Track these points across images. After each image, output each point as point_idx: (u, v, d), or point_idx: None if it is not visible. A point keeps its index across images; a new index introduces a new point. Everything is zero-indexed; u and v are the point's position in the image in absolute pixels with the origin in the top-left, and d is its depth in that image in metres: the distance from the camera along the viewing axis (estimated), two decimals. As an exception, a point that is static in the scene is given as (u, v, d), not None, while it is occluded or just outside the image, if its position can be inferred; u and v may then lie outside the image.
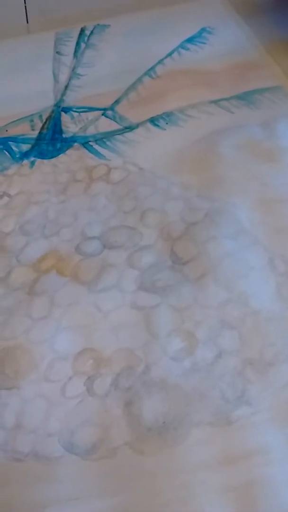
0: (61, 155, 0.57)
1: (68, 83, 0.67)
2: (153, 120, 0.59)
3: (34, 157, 0.57)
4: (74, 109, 0.63)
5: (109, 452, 0.35)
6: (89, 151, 0.57)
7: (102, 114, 0.62)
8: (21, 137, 0.60)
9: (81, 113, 0.62)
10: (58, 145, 0.58)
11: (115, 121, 0.60)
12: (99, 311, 0.41)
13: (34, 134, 0.60)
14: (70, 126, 0.61)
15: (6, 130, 0.61)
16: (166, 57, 0.68)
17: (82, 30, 0.76)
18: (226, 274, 0.42)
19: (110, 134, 0.59)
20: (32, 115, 0.63)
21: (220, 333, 0.39)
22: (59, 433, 0.36)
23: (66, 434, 0.35)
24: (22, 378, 0.38)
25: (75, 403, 0.37)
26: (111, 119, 0.61)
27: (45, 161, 0.57)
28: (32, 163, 0.57)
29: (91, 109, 0.62)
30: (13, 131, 0.61)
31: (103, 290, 0.43)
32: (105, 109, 0.62)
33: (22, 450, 0.35)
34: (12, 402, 0.37)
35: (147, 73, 0.66)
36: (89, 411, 0.36)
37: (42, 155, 0.58)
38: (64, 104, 0.64)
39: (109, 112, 0.62)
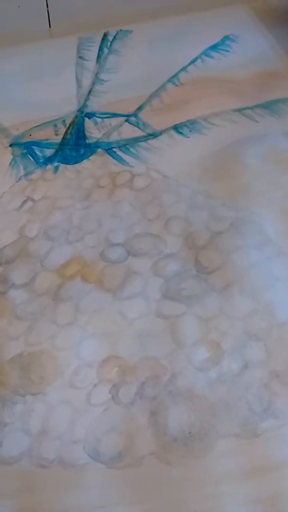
0: (84, 160, 0.58)
1: (91, 89, 0.67)
2: (176, 128, 0.59)
3: (58, 162, 0.58)
4: (98, 115, 0.63)
5: (135, 461, 0.35)
6: (113, 157, 0.57)
7: (126, 121, 0.62)
8: (45, 141, 0.60)
9: (104, 119, 0.63)
10: (82, 151, 0.59)
11: (139, 128, 0.61)
12: (124, 318, 0.41)
13: (58, 139, 0.61)
14: (93, 131, 0.61)
15: (30, 135, 0.61)
16: (189, 64, 0.68)
17: (105, 35, 0.76)
18: (252, 285, 0.42)
19: (133, 141, 0.59)
20: (55, 120, 0.63)
21: (246, 344, 0.39)
22: (84, 440, 0.36)
23: (91, 442, 0.35)
24: (47, 384, 0.38)
25: (100, 411, 0.37)
26: (134, 125, 0.61)
27: (68, 166, 0.57)
28: (56, 168, 0.57)
29: (114, 115, 0.63)
30: (37, 136, 0.61)
31: (128, 298, 0.43)
32: (128, 116, 0.62)
33: (47, 457, 0.35)
34: (37, 408, 0.37)
35: (171, 80, 0.66)
36: (114, 419, 0.36)
37: (66, 161, 0.58)
38: (88, 110, 0.64)
39: (133, 119, 0.62)
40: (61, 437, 0.36)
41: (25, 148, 0.59)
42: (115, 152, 0.58)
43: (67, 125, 0.62)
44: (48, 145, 0.60)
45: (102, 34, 0.76)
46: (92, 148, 0.59)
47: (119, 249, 0.47)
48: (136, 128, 0.61)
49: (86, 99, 0.66)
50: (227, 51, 0.70)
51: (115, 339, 0.40)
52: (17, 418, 0.37)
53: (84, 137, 0.61)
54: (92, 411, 0.37)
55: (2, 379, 0.38)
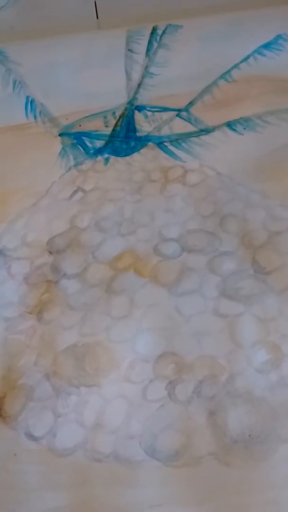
0: (135, 153, 0.57)
1: (141, 82, 0.66)
2: (230, 125, 0.58)
3: (108, 154, 0.57)
4: (148, 108, 0.62)
5: (193, 461, 0.34)
6: (164, 151, 0.56)
7: (177, 115, 0.61)
8: (95, 133, 0.60)
9: (154, 113, 0.62)
10: (132, 144, 0.58)
11: (190, 123, 0.60)
12: (180, 315, 0.41)
13: (108, 130, 0.60)
14: (143, 125, 0.60)
15: (80, 125, 0.61)
16: (242, 61, 0.67)
17: (154, 29, 0.75)
18: (313, 288, 0.41)
19: (185, 136, 0.58)
20: (105, 111, 0.62)
21: (308, 348, 0.38)
22: (140, 436, 0.35)
23: (148, 438, 0.35)
24: (102, 376, 0.37)
25: (157, 407, 0.36)
26: (186, 120, 0.60)
27: (119, 158, 0.56)
28: (107, 160, 0.56)
29: (165, 109, 0.62)
30: (87, 127, 0.61)
31: (184, 294, 0.42)
32: (179, 110, 0.61)
33: (102, 451, 0.35)
34: (92, 400, 0.37)
35: (223, 76, 0.65)
36: (171, 416, 0.36)
37: (116, 153, 0.57)
38: (137, 103, 0.63)
39: (184, 114, 0.61)
40: (116, 431, 0.35)
41: (75, 138, 0.59)
42: (166, 146, 0.57)
43: (117, 117, 0.62)
44: (98, 136, 0.59)
45: (151, 28, 0.75)
46: (142, 142, 0.58)
47: (173, 244, 0.46)
48: (188, 123, 0.60)
49: (136, 92, 0.65)
50: (280, 50, 0.68)
51: (172, 335, 0.39)
52: (72, 410, 0.36)
53: (134, 130, 0.60)
54: (148, 406, 0.36)
55: (56, 369, 0.38)
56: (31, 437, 0.35)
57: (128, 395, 0.36)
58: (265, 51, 0.68)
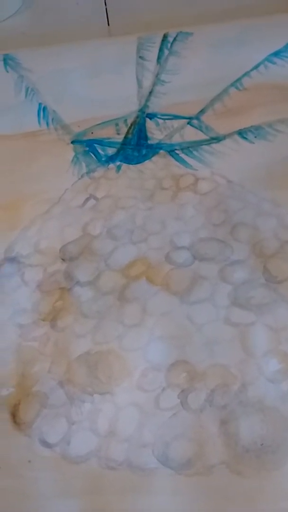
0: (146, 161, 0.57)
1: (152, 89, 0.67)
2: (241, 133, 0.59)
3: (120, 161, 0.57)
4: (159, 116, 0.63)
5: (205, 469, 0.34)
6: (175, 159, 0.57)
7: (188, 123, 0.61)
8: (107, 140, 0.60)
9: (166, 121, 0.62)
10: (144, 151, 0.58)
11: (201, 131, 0.60)
12: (192, 323, 0.41)
13: (119, 138, 0.60)
14: (155, 132, 0.61)
15: (92, 133, 0.61)
16: (252, 69, 0.67)
17: (165, 37, 0.76)
18: None
19: (196, 144, 0.58)
20: (117, 119, 0.63)
21: None
22: (153, 444, 0.35)
23: (160, 446, 0.35)
24: (115, 384, 0.38)
25: (169, 415, 0.36)
26: (197, 128, 0.60)
27: (131, 166, 0.57)
28: (119, 167, 0.57)
29: (176, 117, 0.62)
30: (98, 134, 0.61)
31: (195, 302, 0.42)
32: (190, 118, 0.62)
33: (116, 458, 0.35)
34: (105, 408, 0.37)
35: (234, 84, 0.66)
36: (183, 425, 0.36)
37: (128, 160, 0.58)
38: (149, 110, 0.64)
39: (195, 122, 0.61)
40: (129, 439, 0.35)
41: (87, 146, 0.59)
42: (177, 154, 0.58)
43: (129, 125, 0.62)
44: (110, 144, 0.60)
45: (162, 35, 0.76)
46: (154, 149, 0.59)
47: (184, 252, 0.46)
48: (199, 131, 0.60)
49: (147, 100, 0.65)
50: (291, 58, 0.69)
51: (183, 343, 0.40)
52: (85, 417, 0.36)
53: (146, 138, 0.60)
54: (160, 415, 0.36)
55: (70, 376, 0.38)
56: (45, 444, 0.35)
57: (140, 403, 0.37)
58: (276, 59, 0.69)
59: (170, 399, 0.37)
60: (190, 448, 0.35)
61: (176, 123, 0.61)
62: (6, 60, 0.75)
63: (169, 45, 0.75)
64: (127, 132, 0.61)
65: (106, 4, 0.91)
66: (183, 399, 0.37)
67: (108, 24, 0.86)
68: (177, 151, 0.58)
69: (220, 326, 0.40)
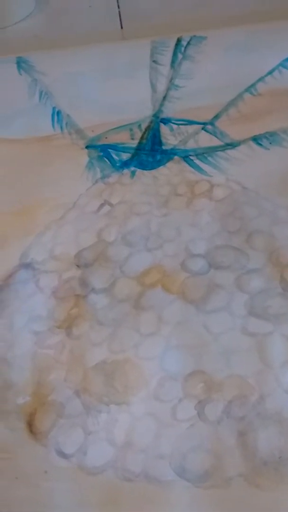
0: (161, 167, 0.57)
1: (166, 94, 0.67)
2: (256, 139, 0.58)
3: (134, 167, 0.57)
4: (173, 121, 0.63)
5: (222, 482, 0.34)
6: (190, 165, 0.57)
7: (202, 129, 0.61)
8: (121, 145, 0.60)
9: (180, 126, 0.62)
10: (158, 157, 0.58)
11: (216, 137, 0.60)
12: (209, 332, 0.41)
13: (134, 143, 0.60)
14: (169, 138, 0.61)
15: (106, 137, 0.61)
16: (267, 75, 0.67)
17: (179, 41, 0.75)
18: None
19: (211, 150, 0.58)
20: (131, 124, 0.63)
21: None
22: (170, 456, 0.35)
23: (177, 458, 0.35)
24: (132, 394, 0.38)
25: (186, 427, 0.36)
26: (211, 134, 0.60)
27: (145, 172, 0.57)
28: (133, 173, 0.57)
29: (190, 122, 0.62)
30: (113, 139, 0.61)
31: (212, 311, 0.42)
32: (205, 123, 0.61)
33: (133, 470, 0.35)
34: (122, 418, 0.37)
35: (248, 89, 0.65)
36: (200, 436, 0.36)
37: (142, 166, 0.57)
38: (163, 115, 0.64)
39: (209, 127, 0.61)
40: (146, 450, 0.35)
41: (102, 151, 0.59)
42: (192, 160, 0.57)
43: (143, 130, 0.62)
44: (124, 149, 0.59)
45: (175, 39, 0.76)
46: (168, 155, 0.58)
47: (200, 260, 0.46)
48: (213, 137, 0.60)
49: (161, 105, 0.65)
50: (306, 63, 0.68)
51: (200, 353, 0.39)
52: (102, 427, 0.36)
53: (160, 143, 0.60)
54: (177, 426, 0.36)
55: (86, 385, 0.38)
56: (61, 454, 0.35)
57: (157, 413, 0.36)
58: (290, 64, 0.68)
59: (187, 410, 0.36)
60: (207, 460, 0.34)
61: (190, 128, 0.61)
62: (20, 63, 0.75)
63: (183, 49, 0.74)
64: (141, 137, 0.61)
65: (119, 7, 0.90)
66: (200, 410, 0.36)
67: (121, 27, 0.86)
68: (191, 157, 0.57)
69: (237, 336, 0.40)
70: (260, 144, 0.58)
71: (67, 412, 0.36)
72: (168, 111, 0.64)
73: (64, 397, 0.37)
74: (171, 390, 0.37)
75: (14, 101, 0.67)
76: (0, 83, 0.71)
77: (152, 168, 0.57)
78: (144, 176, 0.56)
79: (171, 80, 0.68)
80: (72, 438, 0.35)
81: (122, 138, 0.61)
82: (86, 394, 0.37)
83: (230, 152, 0.57)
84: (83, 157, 0.59)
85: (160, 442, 0.35)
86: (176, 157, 0.58)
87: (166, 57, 0.73)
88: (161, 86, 0.68)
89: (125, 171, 0.57)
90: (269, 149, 0.57)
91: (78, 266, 0.47)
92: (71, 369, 0.39)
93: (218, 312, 0.42)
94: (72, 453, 0.35)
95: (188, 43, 0.75)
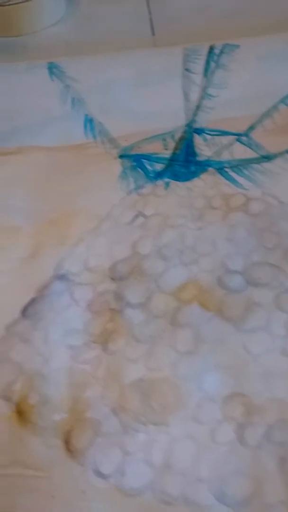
0: (195, 178, 0.56)
1: (199, 103, 0.66)
2: (292, 152, 0.57)
3: (168, 178, 0.57)
4: (207, 132, 0.62)
5: (263, 508, 0.33)
6: (225, 177, 0.56)
7: (237, 140, 0.60)
8: (154, 155, 0.60)
9: (214, 136, 0.61)
10: (192, 168, 0.58)
11: (251, 149, 0.59)
12: (248, 353, 0.40)
13: (167, 154, 0.60)
14: (203, 149, 0.60)
15: (139, 147, 0.61)
16: (302, 85, 0.66)
17: (211, 49, 0.75)
18: None
19: (246, 162, 0.57)
20: (164, 134, 0.62)
21: None
22: (209, 479, 0.34)
23: (217, 482, 0.34)
24: (170, 414, 0.37)
25: (225, 450, 0.35)
26: (246, 145, 0.59)
27: (179, 183, 0.56)
28: (167, 184, 0.56)
29: (224, 133, 0.61)
30: (146, 149, 0.61)
31: (251, 331, 0.41)
32: (239, 135, 0.61)
33: (171, 493, 0.34)
34: (160, 439, 0.36)
35: (283, 100, 0.64)
36: (240, 461, 0.35)
37: (176, 177, 0.57)
38: (196, 125, 0.63)
39: (244, 138, 0.60)
40: (185, 473, 0.35)
41: (135, 161, 0.59)
42: (227, 172, 0.57)
43: (176, 140, 0.61)
44: (158, 160, 0.59)
45: (208, 47, 0.75)
46: (202, 166, 0.58)
47: (237, 277, 0.45)
48: (248, 149, 0.59)
49: (195, 114, 0.64)
50: None
51: (239, 374, 0.39)
52: (140, 448, 0.36)
53: (194, 154, 0.59)
54: (216, 449, 0.35)
55: (123, 403, 0.38)
56: (99, 474, 0.34)
57: (196, 435, 0.36)
58: None
59: (226, 433, 0.36)
60: (248, 485, 0.34)
61: (224, 139, 0.60)
62: (51, 68, 0.75)
63: (215, 57, 0.73)
64: (175, 148, 0.60)
65: (151, 13, 0.90)
66: (239, 434, 0.36)
67: (153, 34, 0.85)
68: (226, 169, 0.57)
69: (277, 357, 0.39)
70: (297, 158, 0.57)
71: (104, 430, 0.36)
72: (202, 121, 0.63)
73: (101, 414, 0.37)
74: (210, 412, 0.37)
75: (47, 108, 0.67)
76: (33, 89, 0.71)
77: (186, 179, 0.56)
78: (179, 188, 0.55)
79: (204, 89, 0.68)
80: (110, 458, 0.35)
81: (155, 148, 0.60)
82: (123, 413, 0.37)
83: (266, 165, 0.57)
84: (117, 166, 0.58)
85: (199, 465, 0.34)
86: (210, 168, 0.57)
87: (198, 66, 0.73)
88: (194, 95, 0.67)
89: (159, 182, 0.56)
90: (306, 163, 0.56)
91: (112, 279, 0.47)
92: (107, 386, 0.38)
93: (257, 331, 0.41)
94: (110, 473, 0.34)
95: (221, 51, 0.74)
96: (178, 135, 0.62)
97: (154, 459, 0.35)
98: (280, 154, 0.57)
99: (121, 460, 0.35)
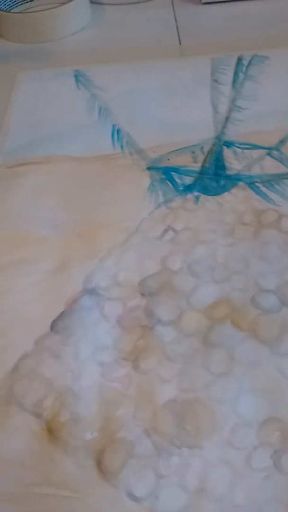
0: (225, 193, 0.56)
1: (228, 115, 0.65)
2: None
3: (198, 191, 0.56)
4: (237, 145, 0.61)
5: (301, 539, 0.32)
6: (256, 192, 0.55)
7: (267, 154, 0.60)
8: (183, 168, 0.59)
9: (244, 150, 0.60)
10: (222, 182, 0.57)
11: (282, 163, 0.58)
12: (284, 376, 0.39)
13: (197, 166, 0.59)
14: (233, 162, 0.59)
15: (168, 159, 0.60)
16: None
17: (239, 59, 0.74)
18: None
19: (278, 177, 0.57)
20: (193, 146, 0.61)
21: None
22: (245, 506, 0.34)
23: (253, 509, 0.33)
24: (204, 437, 0.36)
25: (262, 477, 0.35)
26: (277, 160, 0.59)
27: (209, 197, 0.55)
28: (197, 198, 0.55)
29: (255, 146, 0.61)
30: (175, 161, 0.60)
31: (286, 354, 0.40)
32: (270, 149, 0.60)
33: (207, 519, 0.34)
34: (195, 463, 0.35)
35: (314, 114, 0.64)
36: (277, 488, 0.34)
37: (206, 191, 0.56)
38: (226, 138, 0.62)
39: (275, 153, 0.60)
40: (221, 499, 0.34)
41: (164, 173, 0.58)
42: (258, 187, 0.56)
43: (205, 153, 0.61)
44: (187, 172, 0.58)
45: (236, 58, 0.74)
46: (233, 180, 0.57)
47: (272, 296, 0.45)
48: (280, 164, 0.58)
49: (224, 127, 0.64)
50: None
51: (275, 399, 0.38)
52: (174, 471, 0.35)
53: (224, 168, 0.59)
54: (252, 475, 0.35)
55: (156, 425, 0.37)
56: (133, 497, 0.34)
57: (231, 461, 0.35)
58: None
59: (263, 459, 0.35)
60: (285, 514, 0.33)
61: (255, 153, 0.60)
62: (78, 76, 0.75)
63: (244, 68, 0.73)
64: (204, 161, 0.59)
65: (177, 21, 0.89)
66: (276, 460, 0.35)
67: (180, 43, 0.85)
68: (257, 184, 0.56)
69: (314, 382, 0.38)
70: None
71: (137, 452, 0.35)
72: (231, 134, 0.63)
73: (134, 435, 0.36)
74: (246, 437, 0.36)
75: (74, 117, 0.67)
76: (59, 97, 0.71)
77: (216, 193, 0.56)
78: (209, 202, 0.55)
79: (233, 101, 0.67)
80: (144, 481, 0.34)
81: (185, 160, 0.60)
82: (156, 435, 0.36)
83: (298, 181, 0.56)
84: (145, 179, 0.58)
85: (234, 491, 0.34)
86: (240, 183, 0.57)
87: (227, 76, 0.72)
88: (223, 107, 0.67)
89: (189, 195, 0.56)
90: None
91: (142, 294, 0.46)
92: (139, 406, 0.37)
93: (292, 354, 0.40)
94: (143, 497, 0.33)
95: (250, 62, 0.74)
96: (207, 148, 0.61)
97: (188, 483, 0.34)
98: (312, 170, 0.57)
99: (155, 483, 0.34)
